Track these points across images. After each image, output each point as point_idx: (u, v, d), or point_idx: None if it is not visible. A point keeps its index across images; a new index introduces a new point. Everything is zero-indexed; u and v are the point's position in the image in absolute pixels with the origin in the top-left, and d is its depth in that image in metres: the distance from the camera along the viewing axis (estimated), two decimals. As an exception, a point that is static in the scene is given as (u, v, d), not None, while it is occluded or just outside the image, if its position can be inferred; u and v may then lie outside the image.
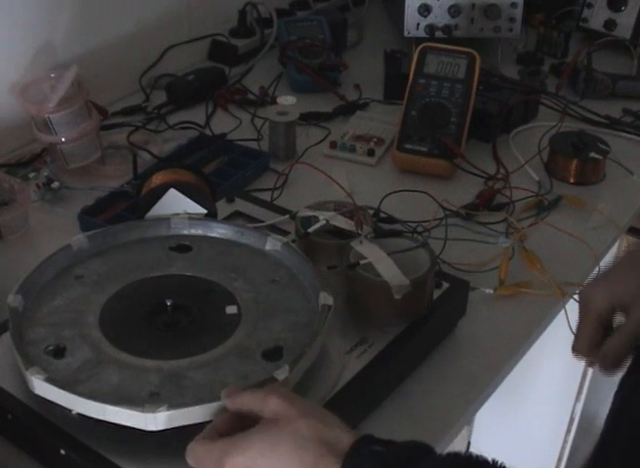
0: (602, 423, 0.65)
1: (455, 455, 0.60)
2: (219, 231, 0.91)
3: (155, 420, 0.67)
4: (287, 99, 1.27)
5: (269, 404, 0.63)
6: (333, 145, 1.28)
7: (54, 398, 0.70)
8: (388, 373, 0.82)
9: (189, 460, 0.64)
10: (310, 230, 0.90)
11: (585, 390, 1.59)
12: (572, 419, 1.65)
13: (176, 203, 0.93)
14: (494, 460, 0.59)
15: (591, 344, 0.76)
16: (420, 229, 1.04)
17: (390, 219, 0.96)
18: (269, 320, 0.80)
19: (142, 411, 0.67)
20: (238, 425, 0.65)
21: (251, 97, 1.44)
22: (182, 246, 0.90)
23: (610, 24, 1.60)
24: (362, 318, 0.84)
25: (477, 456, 0.60)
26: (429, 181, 1.18)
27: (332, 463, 0.59)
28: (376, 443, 0.60)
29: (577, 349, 0.77)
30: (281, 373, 0.71)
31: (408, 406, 0.84)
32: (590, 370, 1.56)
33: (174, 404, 0.68)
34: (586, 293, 0.78)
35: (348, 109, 1.40)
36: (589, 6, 1.62)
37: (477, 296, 0.97)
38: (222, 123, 1.35)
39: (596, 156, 1.21)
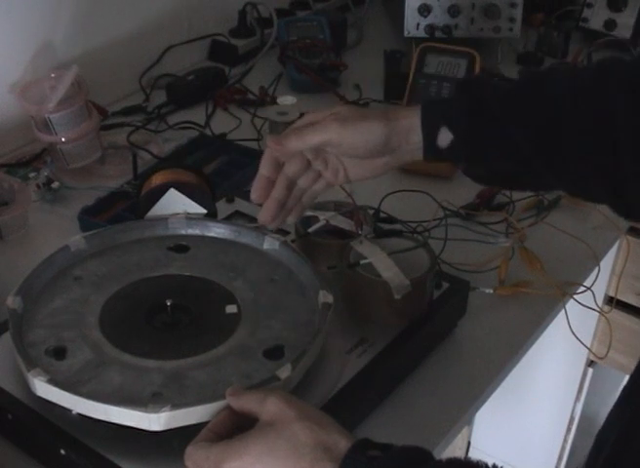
0: (602, 423, 0.64)
1: (454, 461, 0.59)
2: (216, 231, 0.91)
3: (159, 420, 0.67)
4: (287, 99, 1.27)
5: (267, 405, 0.63)
6: (333, 145, 1.28)
7: (56, 399, 0.70)
8: (388, 373, 0.82)
9: (188, 464, 0.64)
10: (310, 230, 0.90)
11: (585, 390, 1.59)
12: (572, 419, 1.65)
13: (176, 203, 0.93)
14: (494, 465, 0.59)
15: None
16: (420, 229, 1.04)
17: (390, 219, 0.96)
18: (269, 319, 0.80)
19: (146, 412, 0.67)
20: (235, 425, 0.65)
21: (251, 96, 1.44)
22: (181, 246, 0.90)
23: (610, 24, 1.60)
24: (362, 318, 0.84)
25: (477, 462, 0.59)
26: (429, 181, 1.18)
27: None
28: (373, 447, 0.60)
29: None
30: (283, 372, 0.71)
31: (408, 405, 0.84)
32: (590, 370, 1.56)
33: (177, 404, 0.67)
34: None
35: (348, 109, 1.39)
36: (589, 6, 1.62)
37: (477, 296, 0.97)
38: (222, 123, 1.35)
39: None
